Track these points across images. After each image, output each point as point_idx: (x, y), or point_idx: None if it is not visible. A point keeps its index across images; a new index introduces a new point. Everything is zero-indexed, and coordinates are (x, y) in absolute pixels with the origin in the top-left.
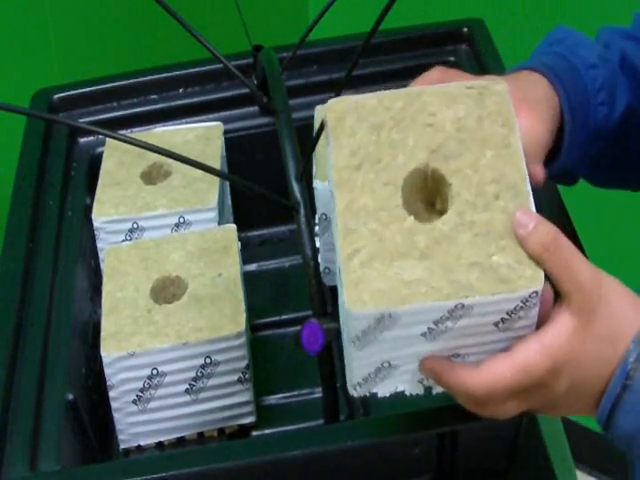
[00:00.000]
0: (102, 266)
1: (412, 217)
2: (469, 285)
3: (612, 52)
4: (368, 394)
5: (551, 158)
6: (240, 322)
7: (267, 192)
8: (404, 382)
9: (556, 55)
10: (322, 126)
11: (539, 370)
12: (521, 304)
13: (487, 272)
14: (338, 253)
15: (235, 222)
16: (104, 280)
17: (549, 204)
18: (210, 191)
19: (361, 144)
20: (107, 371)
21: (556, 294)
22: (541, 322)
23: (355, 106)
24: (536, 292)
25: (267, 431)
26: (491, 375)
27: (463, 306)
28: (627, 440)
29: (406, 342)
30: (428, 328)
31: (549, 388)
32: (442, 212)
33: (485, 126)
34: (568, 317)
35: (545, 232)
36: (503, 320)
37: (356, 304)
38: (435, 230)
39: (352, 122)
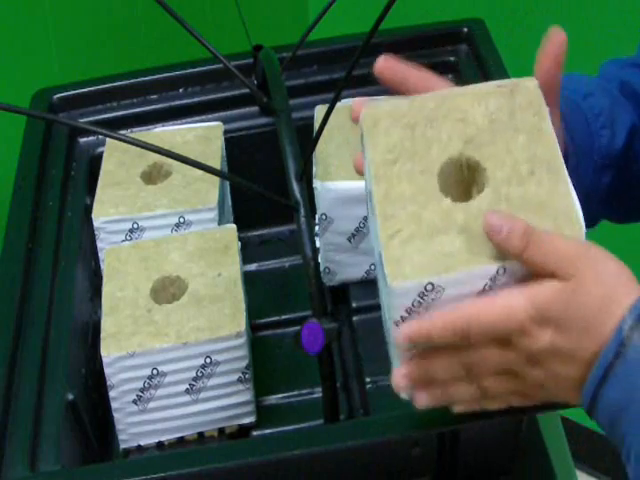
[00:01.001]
0: (102, 266)
1: (449, 199)
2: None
3: (611, 82)
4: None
5: None
6: (240, 322)
7: (267, 192)
8: None
9: None
10: (328, 114)
11: (521, 313)
12: None
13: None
14: (378, 238)
15: (235, 222)
16: (104, 280)
17: None
18: (210, 191)
19: (397, 141)
20: (107, 371)
21: None
22: None
23: (388, 110)
24: None
25: (267, 431)
26: (473, 308)
27: (505, 270)
28: (612, 416)
29: None
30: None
31: (532, 339)
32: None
33: (517, 117)
34: (555, 280)
35: (519, 233)
36: None
37: (398, 278)
38: (472, 207)
39: (387, 124)
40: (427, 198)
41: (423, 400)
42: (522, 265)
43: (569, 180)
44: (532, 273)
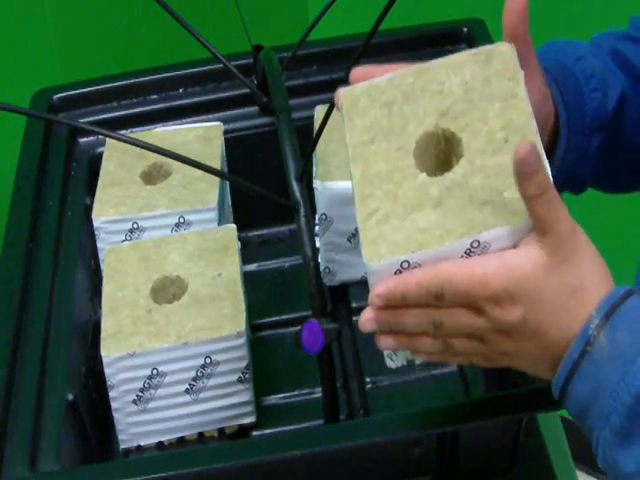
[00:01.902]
0: (102, 266)
1: (424, 174)
2: (483, 221)
3: (602, 49)
4: (406, 362)
5: (551, 161)
6: (240, 322)
7: (267, 192)
8: None
9: (544, 60)
10: (328, 114)
11: (496, 285)
12: None
13: (499, 208)
14: (357, 219)
15: (235, 222)
16: (104, 280)
17: None
18: (210, 191)
19: (374, 120)
20: (107, 371)
21: None
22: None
23: (367, 89)
24: None
25: (267, 431)
26: (450, 271)
27: (479, 243)
28: (580, 408)
29: None
30: None
31: (504, 311)
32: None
33: (492, 83)
34: (537, 251)
35: (545, 178)
36: None
37: (374, 258)
38: (447, 179)
39: (365, 103)
40: (403, 175)
41: (388, 344)
42: (502, 234)
43: (541, 145)
44: (513, 244)
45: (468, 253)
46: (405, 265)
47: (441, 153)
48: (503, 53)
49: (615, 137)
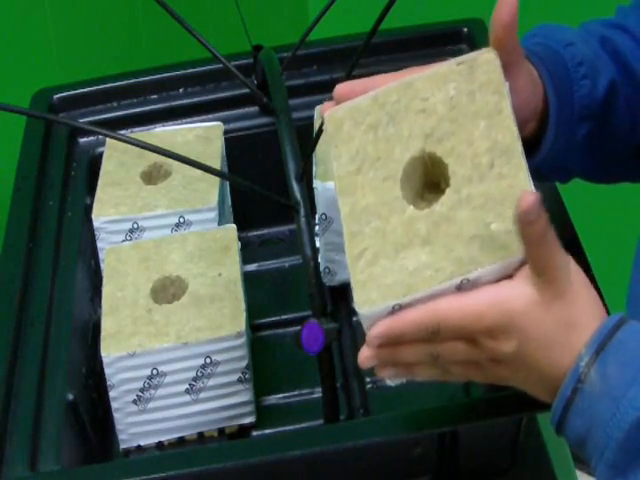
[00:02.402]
0: (102, 266)
1: (411, 206)
2: (471, 259)
3: (592, 35)
4: (405, 381)
5: (538, 148)
6: (240, 322)
7: (267, 192)
8: None
9: (534, 44)
10: (321, 129)
11: (490, 319)
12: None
13: (487, 242)
14: (346, 259)
15: (235, 222)
16: (104, 280)
17: (548, 201)
18: (210, 191)
19: (359, 147)
20: (107, 371)
21: None
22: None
23: (351, 111)
24: None
25: (267, 431)
26: (445, 309)
27: (469, 280)
28: (578, 441)
29: None
30: None
31: (498, 344)
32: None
33: (477, 98)
34: (531, 288)
35: (545, 223)
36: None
37: (365, 304)
38: (434, 214)
39: (349, 127)
40: (390, 209)
41: (387, 374)
42: (488, 272)
43: (526, 165)
44: (504, 277)
45: (459, 289)
46: (397, 307)
47: (429, 175)
48: (487, 62)
49: (602, 126)
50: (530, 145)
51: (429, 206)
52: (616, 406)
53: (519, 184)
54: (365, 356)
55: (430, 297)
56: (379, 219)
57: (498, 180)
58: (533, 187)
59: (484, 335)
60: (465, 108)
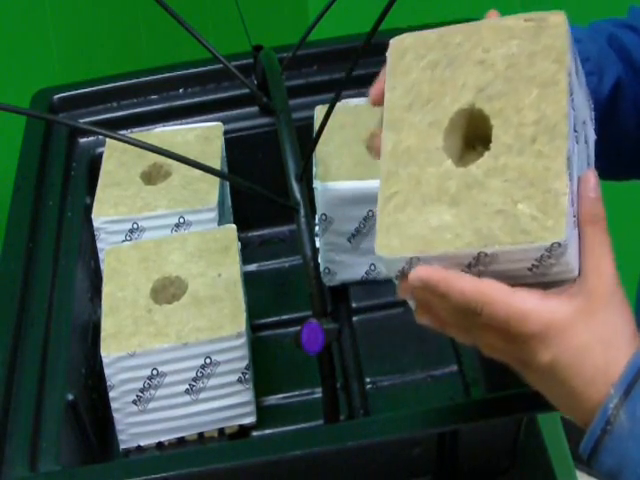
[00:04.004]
0: (102, 266)
1: (450, 160)
2: (491, 234)
3: (600, 34)
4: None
5: None
6: (240, 322)
7: (267, 192)
8: None
9: None
10: (321, 129)
11: (533, 326)
12: (547, 253)
13: (510, 221)
14: (378, 195)
15: (235, 222)
16: (104, 280)
17: None
18: (210, 191)
19: (415, 83)
20: (107, 371)
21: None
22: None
23: (416, 42)
24: (558, 243)
25: (267, 431)
26: (492, 294)
27: (486, 254)
28: (610, 476)
29: None
30: (462, 270)
31: (531, 351)
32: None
33: (536, 62)
34: (574, 306)
35: (602, 210)
36: (534, 266)
37: (384, 249)
38: (469, 175)
39: (410, 59)
40: (429, 158)
41: (423, 320)
42: (506, 253)
43: (567, 150)
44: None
45: (476, 260)
46: (415, 260)
47: (472, 130)
48: (556, 26)
49: (608, 123)
50: None
51: (466, 165)
52: None
53: (555, 169)
54: (404, 287)
55: (446, 259)
56: (417, 166)
57: (536, 158)
58: (568, 176)
59: (522, 339)
60: (523, 70)
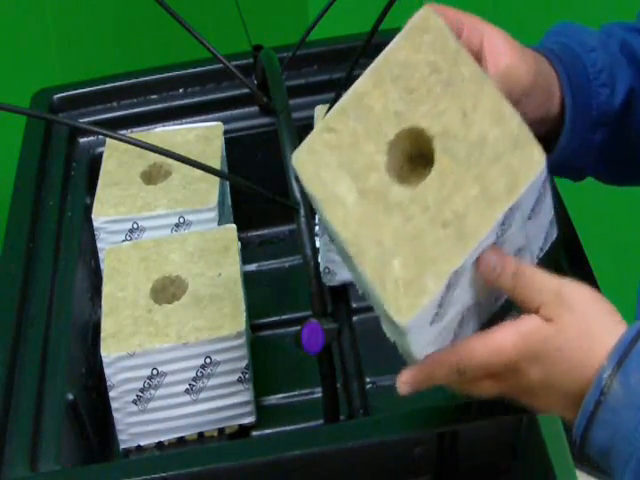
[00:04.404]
0: (102, 266)
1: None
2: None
3: (612, 40)
4: None
5: (552, 149)
6: (240, 322)
7: (267, 192)
8: None
9: (556, 42)
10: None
11: (511, 352)
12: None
13: (382, 269)
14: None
15: (235, 222)
16: (104, 280)
17: None
18: (210, 191)
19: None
20: (107, 371)
21: None
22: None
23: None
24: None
25: (267, 431)
26: (466, 349)
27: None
28: (601, 453)
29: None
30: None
31: (523, 374)
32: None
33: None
34: (540, 318)
35: (510, 272)
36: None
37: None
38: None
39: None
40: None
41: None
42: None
43: (461, 263)
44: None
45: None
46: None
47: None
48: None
49: (619, 132)
50: (543, 145)
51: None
52: None
53: (439, 270)
54: (402, 381)
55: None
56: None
57: (435, 242)
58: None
59: (508, 369)
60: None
